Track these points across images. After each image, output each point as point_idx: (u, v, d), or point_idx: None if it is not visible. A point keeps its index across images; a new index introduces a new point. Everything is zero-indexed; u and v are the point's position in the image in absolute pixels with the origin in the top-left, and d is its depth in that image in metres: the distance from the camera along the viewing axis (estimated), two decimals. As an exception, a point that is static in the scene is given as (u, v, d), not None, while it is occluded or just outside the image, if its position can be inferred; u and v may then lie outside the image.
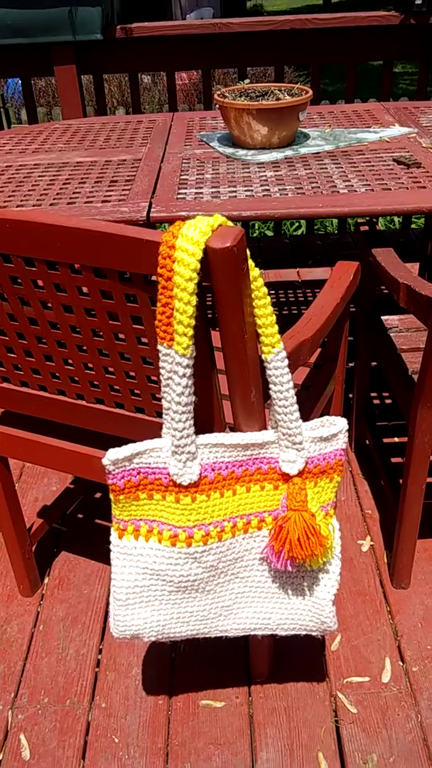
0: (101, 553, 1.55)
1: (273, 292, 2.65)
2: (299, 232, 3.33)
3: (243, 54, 2.41)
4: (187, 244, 0.77)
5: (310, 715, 1.23)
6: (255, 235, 3.36)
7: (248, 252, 0.81)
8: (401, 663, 1.30)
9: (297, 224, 3.37)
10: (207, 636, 1.05)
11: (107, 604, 1.44)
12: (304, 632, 1.07)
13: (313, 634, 1.08)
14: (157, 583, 0.98)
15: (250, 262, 0.82)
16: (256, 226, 3.42)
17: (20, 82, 2.50)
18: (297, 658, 1.32)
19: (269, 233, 3.37)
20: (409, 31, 2.36)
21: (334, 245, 3.02)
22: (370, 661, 1.31)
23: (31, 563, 1.43)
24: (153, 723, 1.22)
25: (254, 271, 0.84)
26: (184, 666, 1.32)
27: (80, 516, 1.67)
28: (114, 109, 6.23)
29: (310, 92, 1.57)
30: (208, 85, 2.54)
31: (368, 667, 1.30)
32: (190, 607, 1.01)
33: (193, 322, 0.81)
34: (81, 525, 1.64)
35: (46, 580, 1.50)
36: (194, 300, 0.80)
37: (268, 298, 0.86)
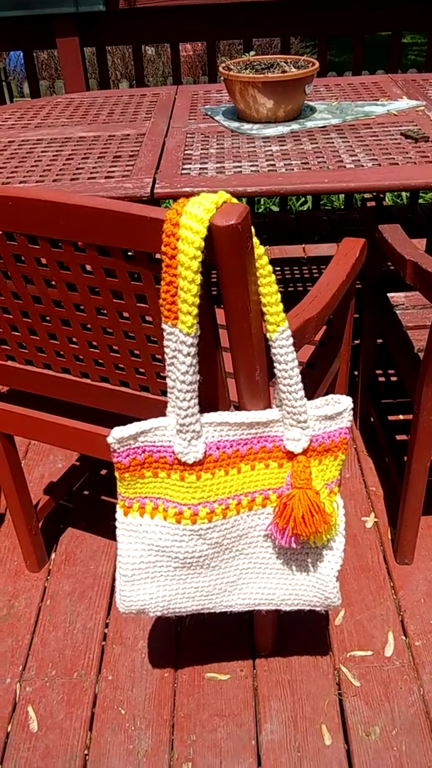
0: (107, 530, 1.57)
1: (278, 268, 2.63)
2: (305, 207, 3.30)
3: (249, 25, 2.36)
4: (191, 222, 0.76)
5: (313, 688, 1.24)
6: (260, 210, 3.33)
7: (253, 229, 0.80)
8: (404, 637, 1.32)
9: (303, 199, 3.33)
10: (212, 611, 1.07)
11: (113, 579, 1.46)
12: (308, 607, 1.08)
13: (317, 609, 1.09)
14: (163, 559, 0.99)
15: (255, 240, 0.82)
16: (262, 202, 3.39)
17: (22, 55, 2.46)
18: (301, 632, 1.33)
19: (275, 208, 3.34)
20: (419, 0, 2.30)
21: (340, 221, 2.99)
22: (373, 635, 1.32)
23: (37, 539, 1.45)
24: (159, 695, 1.24)
25: (259, 249, 0.83)
26: (189, 640, 1.33)
27: (86, 493, 1.68)
28: (117, 81, 6.15)
29: (317, 64, 1.54)
30: (213, 57, 2.50)
31: (371, 642, 1.31)
32: (195, 583, 1.02)
33: (197, 300, 0.81)
34: (87, 501, 1.65)
35: (52, 556, 1.52)
36: (198, 278, 0.80)
37: (273, 276, 0.86)
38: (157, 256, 0.82)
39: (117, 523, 0.98)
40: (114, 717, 1.21)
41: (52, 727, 1.20)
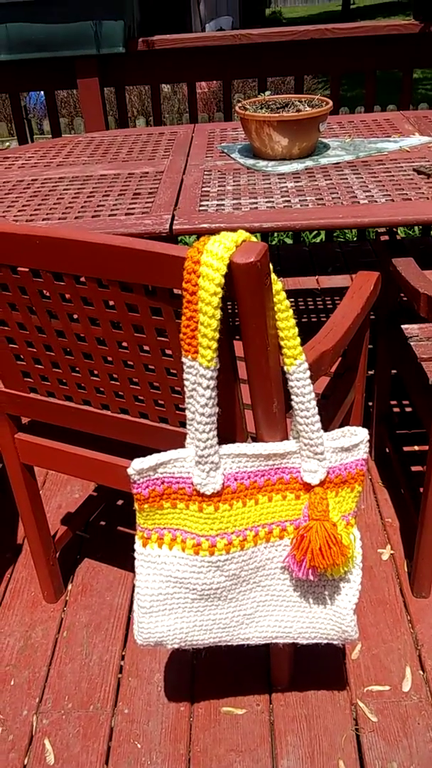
0: (123, 561, 1.57)
1: (292, 299, 2.66)
2: (318, 239, 3.34)
3: (263, 64, 2.43)
4: (212, 260, 0.79)
5: (330, 723, 1.23)
6: (274, 242, 3.37)
7: (271, 266, 0.82)
8: (422, 672, 1.30)
9: (316, 232, 3.38)
10: (229, 643, 1.07)
11: (129, 611, 1.46)
12: (325, 641, 1.08)
13: (334, 642, 1.08)
14: (181, 590, 0.99)
15: (273, 276, 0.84)
16: (276, 235, 3.44)
17: (43, 94, 2.54)
18: (317, 666, 1.32)
19: (288, 241, 3.38)
20: (430, 38, 2.36)
21: (353, 253, 3.03)
22: (390, 670, 1.31)
23: (55, 570, 1.45)
24: (175, 729, 1.24)
25: (277, 285, 0.85)
26: (205, 673, 1.33)
27: (102, 523, 1.69)
28: (134, 118, 6.30)
29: (330, 103, 1.58)
30: (228, 95, 2.57)
31: (389, 676, 1.30)
32: (212, 615, 1.02)
33: (217, 335, 0.83)
34: (103, 532, 1.66)
35: (69, 587, 1.52)
36: (218, 314, 0.82)
37: (291, 311, 0.88)
38: (178, 291, 0.84)
39: (136, 554, 0.99)
40: (130, 751, 1.21)
41: (68, 760, 1.20)
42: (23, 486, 1.29)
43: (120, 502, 1.75)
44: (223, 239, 0.80)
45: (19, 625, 1.44)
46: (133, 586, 1.50)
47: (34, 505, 1.33)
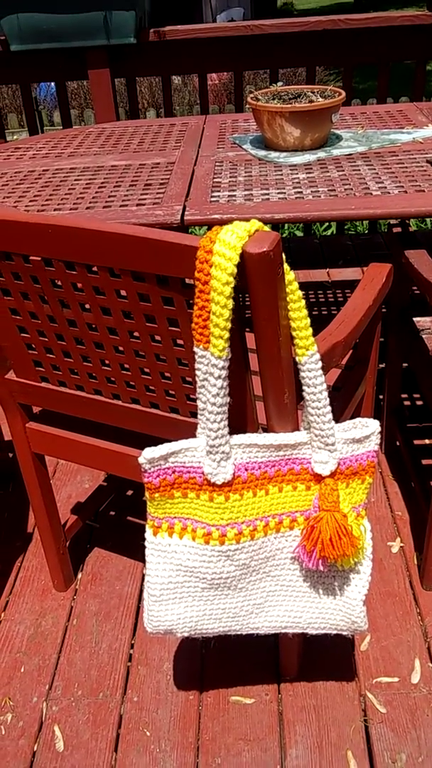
0: (133, 550, 1.58)
1: (303, 292, 2.65)
2: (329, 232, 3.33)
3: (275, 55, 2.42)
4: (225, 249, 0.78)
5: (339, 714, 1.24)
6: (285, 235, 3.36)
7: (284, 256, 0.82)
8: (431, 664, 1.31)
9: (327, 224, 3.36)
10: (238, 633, 1.07)
11: (138, 600, 1.47)
12: (334, 631, 1.08)
13: (344, 633, 1.09)
14: (191, 579, 1.00)
15: (286, 266, 0.84)
16: (286, 227, 3.43)
17: (54, 85, 2.54)
18: (326, 657, 1.33)
19: (299, 233, 3.37)
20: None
21: (364, 245, 3.01)
22: (399, 661, 1.31)
23: (65, 559, 1.46)
24: (184, 717, 1.24)
25: (289, 275, 0.85)
26: (214, 662, 1.33)
27: (112, 513, 1.70)
28: (145, 110, 6.28)
29: (343, 94, 1.57)
30: (240, 86, 2.56)
31: (398, 668, 1.30)
32: (222, 604, 1.03)
33: (229, 325, 0.83)
34: (113, 522, 1.67)
35: (79, 576, 1.53)
36: (231, 303, 0.82)
37: (303, 302, 0.88)
38: (190, 281, 0.84)
39: (146, 543, 1.00)
40: (139, 738, 1.22)
41: (77, 747, 1.21)
42: (34, 475, 1.30)
43: (130, 492, 1.76)
44: (235, 228, 0.80)
45: (29, 612, 1.45)
46: (143, 576, 1.51)
47: (44, 494, 1.33)
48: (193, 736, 1.22)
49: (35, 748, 1.21)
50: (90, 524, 1.66)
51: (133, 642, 1.39)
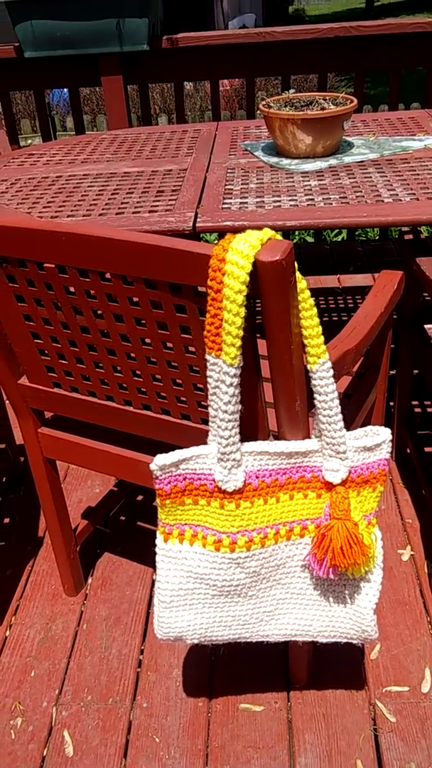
0: (143, 555, 1.58)
1: (313, 298, 2.65)
2: (340, 238, 3.33)
3: (287, 62, 2.42)
4: (237, 258, 0.79)
5: (348, 723, 1.23)
6: (295, 241, 3.36)
7: (296, 264, 0.82)
8: (441, 674, 1.30)
9: (338, 231, 3.36)
10: (248, 640, 1.07)
11: (149, 605, 1.47)
12: (344, 640, 1.08)
13: (354, 642, 1.08)
14: (201, 586, 1.00)
15: (298, 274, 0.84)
16: (297, 233, 3.43)
17: (66, 91, 2.55)
18: (336, 665, 1.32)
19: (309, 239, 3.37)
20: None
21: (375, 252, 3.01)
22: (409, 670, 1.31)
23: (75, 563, 1.47)
24: (193, 724, 1.24)
25: (301, 283, 0.85)
26: (223, 669, 1.33)
27: (122, 518, 1.70)
28: (156, 116, 6.31)
29: (355, 102, 1.57)
30: (252, 93, 2.57)
31: (408, 677, 1.30)
32: (232, 612, 1.03)
33: (241, 333, 0.83)
34: (123, 527, 1.67)
35: (89, 581, 1.54)
36: (243, 312, 0.82)
37: (315, 310, 0.88)
38: (202, 289, 0.85)
39: (157, 549, 1.00)
40: (148, 745, 1.22)
41: (87, 752, 1.21)
42: (45, 480, 1.31)
43: (140, 498, 1.76)
44: (248, 237, 0.80)
45: (39, 617, 1.46)
46: (153, 581, 1.51)
47: (55, 498, 1.34)
48: (202, 743, 1.22)
49: (45, 753, 1.21)
50: (100, 529, 1.67)
51: (142, 648, 1.39)
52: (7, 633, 1.43)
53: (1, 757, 1.21)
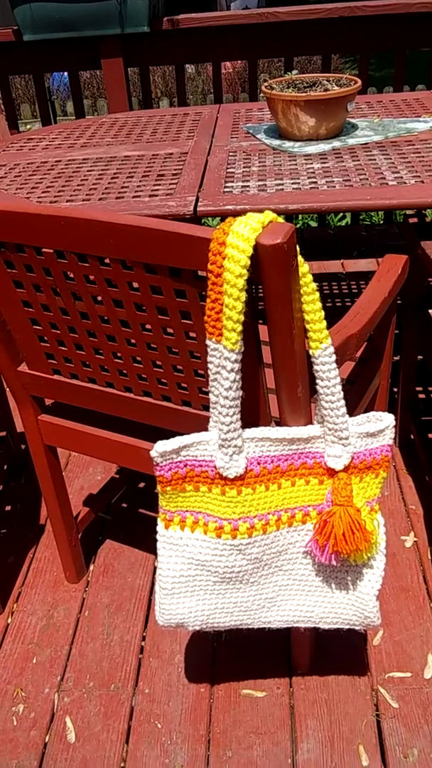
0: (145, 542, 1.58)
1: (317, 283, 2.63)
2: (344, 222, 3.30)
3: (290, 43, 2.39)
4: (238, 241, 0.77)
5: (351, 709, 1.23)
6: (299, 225, 3.33)
7: (298, 248, 0.81)
8: (444, 660, 1.30)
9: (342, 215, 3.33)
10: (250, 627, 1.07)
11: (150, 592, 1.47)
12: (347, 626, 1.08)
13: (356, 628, 1.08)
14: (202, 573, 0.99)
15: (300, 258, 0.82)
16: (300, 217, 3.40)
17: (66, 75, 2.52)
18: (339, 651, 1.32)
19: (313, 224, 3.34)
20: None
21: (379, 236, 2.98)
22: (412, 656, 1.31)
23: (77, 550, 1.47)
24: (195, 710, 1.24)
25: (303, 267, 0.84)
26: (225, 655, 1.33)
27: (124, 505, 1.70)
28: (158, 99, 6.25)
29: (359, 83, 1.55)
30: (254, 75, 2.53)
31: (410, 663, 1.29)
32: (234, 598, 1.02)
33: (242, 317, 0.82)
34: (125, 514, 1.67)
35: (91, 568, 1.54)
36: (243, 296, 0.81)
37: (317, 294, 0.86)
38: (203, 273, 0.83)
39: (158, 536, 0.99)
40: (150, 730, 1.22)
41: (89, 738, 1.21)
42: (46, 467, 1.30)
43: (142, 485, 1.76)
44: (249, 220, 0.79)
45: (41, 604, 1.46)
46: (155, 568, 1.51)
47: (57, 486, 1.33)
48: (204, 728, 1.22)
49: (47, 739, 1.22)
50: (102, 516, 1.67)
51: (144, 634, 1.39)
52: (9, 620, 1.43)
53: (2, 743, 1.21)
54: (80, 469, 1.82)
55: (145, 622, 1.41)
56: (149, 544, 1.57)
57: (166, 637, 1.37)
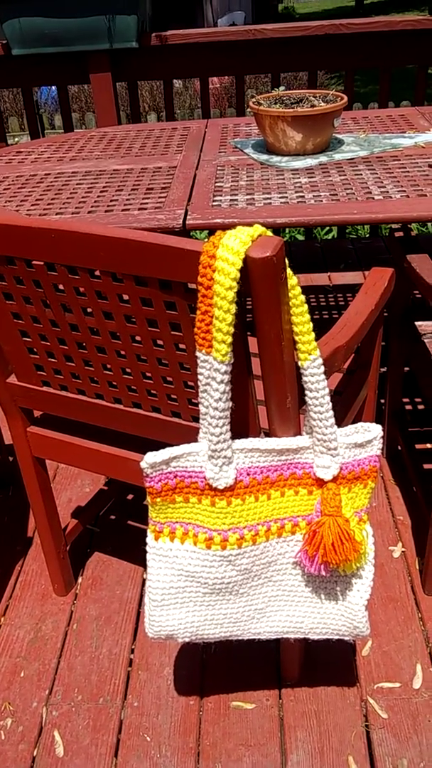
0: (133, 555, 1.58)
1: (304, 295, 2.65)
2: (330, 235, 3.33)
3: (277, 59, 2.42)
4: (228, 254, 0.78)
5: (340, 719, 1.23)
6: (286, 238, 3.36)
7: (287, 261, 0.82)
8: (432, 670, 1.30)
9: (328, 228, 3.36)
10: (240, 638, 1.07)
11: (139, 604, 1.46)
12: (336, 637, 1.08)
13: (346, 638, 1.08)
14: (192, 584, 0.99)
15: (289, 271, 0.84)
16: (287, 230, 3.43)
17: (55, 88, 2.54)
18: (328, 662, 1.32)
19: (300, 237, 3.37)
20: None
21: (365, 249, 3.01)
22: (401, 667, 1.31)
23: (65, 563, 1.46)
24: (184, 723, 1.24)
25: (292, 280, 0.85)
26: (215, 667, 1.33)
27: (113, 517, 1.69)
28: (146, 114, 6.29)
29: (345, 99, 1.57)
30: (242, 90, 2.56)
31: (399, 673, 1.30)
32: (223, 609, 1.02)
33: (231, 329, 0.83)
34: (113, 526, 1.67)
35: (79, 580, 1.53)
36: (233, 308, 0.82)
37: (306, 306, 0.88)
38: (192, 286, 0.84)
39: (147, 548, 0.99)
40: (139, 744, 1.21)
41: (77, 752, 1.20)
42: (35, 479, 1.30)
43: (130, 497, 1.75)
44: (239, 234, 0.80)
45: (29, 617, 1.45)
46: (143, 580, 1.50)
47: (45, 498, 1.33)
48: (193, 741, 1.21)
49: (35, 753, 1.21)
50: (90, 528, 1.66)
51: (133, 647, 1.38)
52: (-3, 633, 1.42)
53: (-9, 758, 1.20)
54: (68, 481, 1.82)
55: (134, 634, 1.40)
56: (138, 556, 1.57)
57: (155, 649, 1.37)
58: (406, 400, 2.02)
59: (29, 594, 1.50)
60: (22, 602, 1.49)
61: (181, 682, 1.31)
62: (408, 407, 2.00)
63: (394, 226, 1.60)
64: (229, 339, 0.84)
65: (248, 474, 0.94)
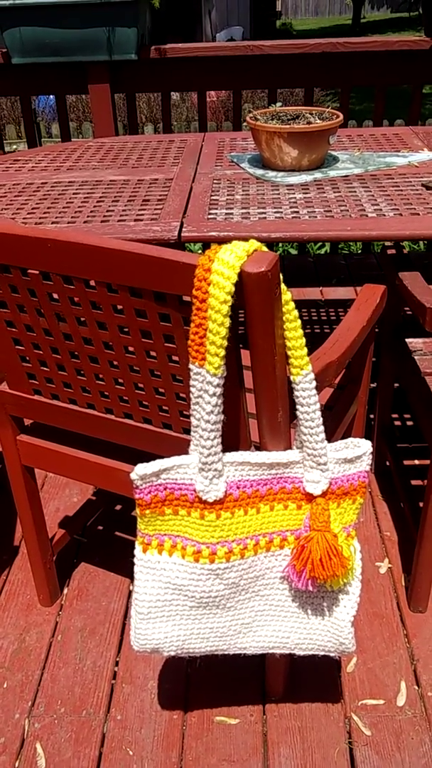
0: (120, 566, 1.57)
1: (296, 310, 2.66)
2: (323, 251, 3.35)
3: (274, 75, 2.44)
4: (223, 268, 0.79)
5: (324, 736, 1.23)
6: (279, 252, 3.38)
7: (281, 276, 0.83)
8: (417, 687, 1.30)
9: (321, 243, 3.39)
10: (225, 653, 1.06)
11: (124, 617, 1.45)
12: (322, 653, 1.08)
13: (331, 655, 1.08)
14: (179, 598, 0.99)
15: (283, 286, 0.84)
16: (281, 245, 3.45)
17: (52, 97, 2.55)
18: (312, 678, 1.32)
19: (293, 251, 3.39)
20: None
21: (357, 265, 3.03)
22: (385, 684, 1.31)
23: (51, 573, 1.45)
24: (167, 737, 1.23)
25: (286, 295, 0.86)
26: (199, 682, 1.32)
27: (100, 528, 1.69)
28: (143, 125, 6.32)
29: (341, 117, 1.59)
30: (239, 105, 2.58)
31: (383, 690, 1.30)
32: (210, 623, 1.02)
33: (225, 343, 0.83)
34: (101, 537, 1.66)
35: (65, 591, 1.52)
36: (227, 321, 0.82)
37: (299, 321, 0.88)
38: (187, 298, 0.85)
39: (135, 560, 0.99)
40: (122, 758, 1.20)
41: (59, 765, 1.19)
42: (23, 488, 1.29)
43: (118, 507, 1.75)
44: (234, 248, 0.80)
45: (13, 627, 1.44)
46: (129, 592, 1.49)
47: (33, 507, 1.32)
48: (176, 756, 1.20)
49: (16, 765, 1.19)
50: (77, 539, 1.65)
51: (118, 659, 1.37)
52: (-19, 643, 1.41)
53: (-29, 770, 1.19)
54: (56, 491, 1.81)
55: (119, 647, 1.39)
56: (124, 568, 1.56)
57: (139, 662, 1.36)
58: (395, 415, 2.03)
59: (14, 604, 1.49)
60: (7, 612, 1.47)
61: (165, 695, 1.30)
62: (397, 423, 2.01)
63: (386, 243, 1.61)
64: (223, 352, 0.84)
65: (238, 487, 0.94)
